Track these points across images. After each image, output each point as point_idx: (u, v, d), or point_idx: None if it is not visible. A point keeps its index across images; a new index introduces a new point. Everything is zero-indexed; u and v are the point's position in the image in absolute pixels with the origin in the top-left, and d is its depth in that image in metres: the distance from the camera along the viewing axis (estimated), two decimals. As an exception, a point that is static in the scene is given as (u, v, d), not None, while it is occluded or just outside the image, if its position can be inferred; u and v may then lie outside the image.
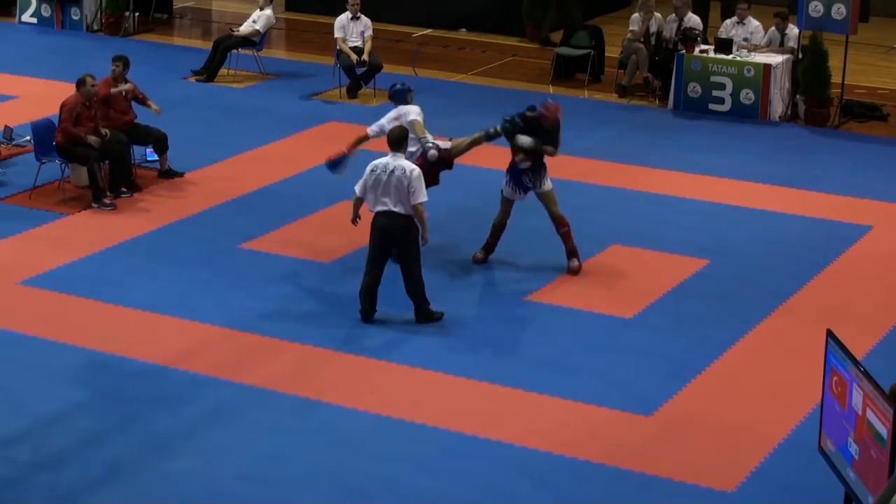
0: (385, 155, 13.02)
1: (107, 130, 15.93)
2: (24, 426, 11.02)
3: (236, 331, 12.81)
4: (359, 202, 13.02)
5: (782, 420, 11.40)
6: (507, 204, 14.38)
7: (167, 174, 16.71)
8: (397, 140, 12.99)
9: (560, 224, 14.24)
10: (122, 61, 16.58)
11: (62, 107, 15.75)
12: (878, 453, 8.24)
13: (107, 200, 15.69)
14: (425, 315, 12.99)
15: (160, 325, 12.91)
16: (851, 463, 8.70)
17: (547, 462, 10.69)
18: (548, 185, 14.33)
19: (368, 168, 12.90)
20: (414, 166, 12.86)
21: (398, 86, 15.16)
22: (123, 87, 16.36)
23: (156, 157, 16.83)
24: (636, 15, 20.92)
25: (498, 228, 14.45)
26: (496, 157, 17.79)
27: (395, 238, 12.87)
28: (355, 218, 13.19)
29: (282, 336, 12.71)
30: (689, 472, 10.60)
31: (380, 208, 12.80)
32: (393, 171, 12.73)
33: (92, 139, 15.68)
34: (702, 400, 11.79)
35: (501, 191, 14.36)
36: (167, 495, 10.15)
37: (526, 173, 14.20)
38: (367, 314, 13.02)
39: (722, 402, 11.78)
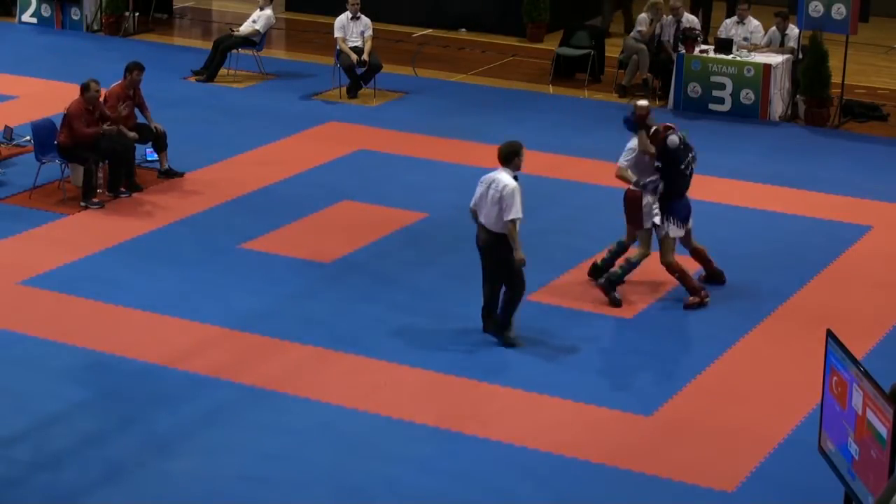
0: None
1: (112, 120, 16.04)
2: (25, 426, 11.02)
3: (236, 331, 12.80)
4: (474, 214, 12.70)
5: (782, 420, 11.40)
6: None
7: (167, 174, 16.72)
8: (506, 156, 12.51)
9: (669, 271, 13.53)
10: (141, 69, 16.62)
11: (68, 113, 15.72)
12: (878, 453, 8.24)
13: (95, 199, 15.70)
14: (501, 330, 12.63)
15: (160, 325, 12.91)
16: (851, 463, 8.70)
17: (547, 462, 10.69)
18: (667, 231, 13.47)
19: (480, 179, 12.68)
20: (509, 182, 12.31)
21: (629, 114, 13.86)
22: (122, 112, 16.24)
23: (156, 157, 16.84)
24: (644, 15, 20.90)
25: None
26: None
27: (486, 254, 12.62)
28: None
29: (282, 336, 12.71)
30: (689, 472, 10.60)
31: (479, 220, 12.62)
32: (491, 184, 12.43)
33: (107, 128, 15.82)
34: (702, 400, 11.79)
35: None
36: (167, 495, 10.15)
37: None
38: (485, 328, 12.80)
39: (722, 403, 11.78)
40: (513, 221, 12.27)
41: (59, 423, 11.08)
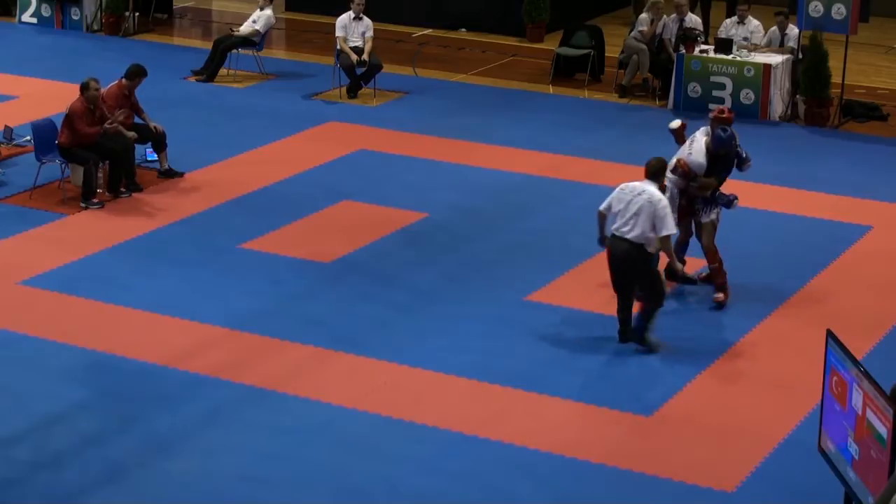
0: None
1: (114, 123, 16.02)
2: (25, 426, 11.02)
3: (236, 331, 12.80)
4: (602, 218, 12.63)
5: (782, 420, 11.39)
6: None
7: (167, 174, 16.72)
8: (655, 171, 12.49)
9: (710, 259, 13.60)
10: (145, 75, 16.66)
11: (70, 113, 15.71)
12: (878, 453, 8.24)
13: (95, 200, 15.70)
14: (635, 336, 12.56)
15: (160, 325, 12.91)
16: (851, 463, 8.70)
17: (547, 462, 10.69)
18: (709, 216, 13.63)
19: (619, 187, 12.59)
20: (661, 196, 12.31)
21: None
22: (118, 118, 16.20)
23: (155, 157, 16.84)
24: (645, 15, 20.87)
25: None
26: (496, 157, 17.83)
27: (627, 265, 12.46)
28: (602, 238, 12.67)
29: (282, 336, 12.71)
30: (689, 472, 10.60)
31: (614, 229, 12.47)
32: (640, 194, 12.34)
33: (108, 126, 15.82)
34: (702, 400, 11.79)
35: None
36: (167, 495, 10.15)
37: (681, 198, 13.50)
38: (622, 337, 12.72)
39: (722, 402, 11.78)
40: (667, 237, 12.30)
41: (59, 423, 11.08)
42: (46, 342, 12.49)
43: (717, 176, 13.61)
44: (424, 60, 22.76)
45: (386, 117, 19.44)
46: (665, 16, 20.82)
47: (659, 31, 20.76)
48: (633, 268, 12.44)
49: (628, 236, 12.34)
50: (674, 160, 13.52)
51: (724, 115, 13.53)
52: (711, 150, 13.45)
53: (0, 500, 10.05)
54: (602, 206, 12.64)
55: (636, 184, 12.48)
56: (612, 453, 10.82)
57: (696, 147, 13.56)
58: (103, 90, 16.42)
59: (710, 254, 13.62)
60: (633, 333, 12.60)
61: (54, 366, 12.07)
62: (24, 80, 20.76)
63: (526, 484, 10.41)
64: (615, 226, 12.45)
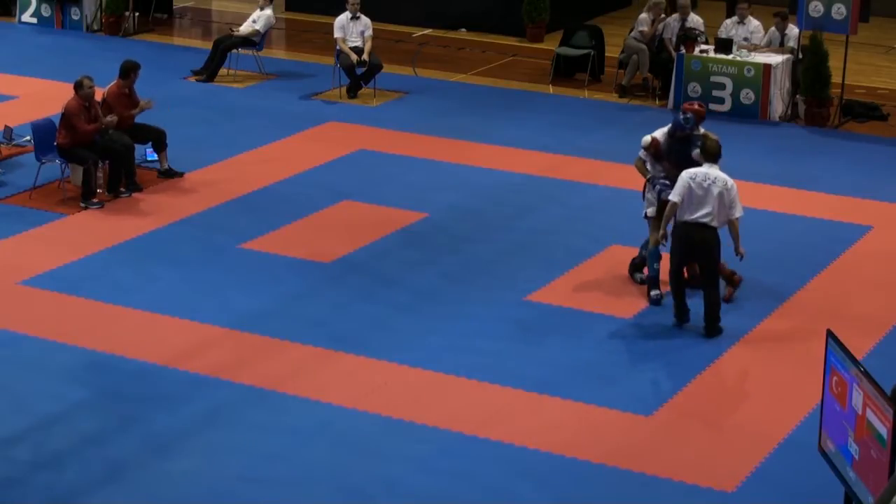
0: None
1: (113, 117, 15.99)
2: (24, 426, 11.02)
3: (236, 331, 12.80)
4: (674, 209, 12.68)
5: (782, 420, 11.39)
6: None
7: (167, 174, 16.72)
8: (717, 153, 12.68)
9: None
10: (139, 68, 16.67)
11: (67, 113, 15.70)
12: (878, 453, 8.24)
13: (95, 200, 15.70)
14: (716, 330, 12.82)
15: (160, 325, 12.91)
16: (851, 463, 8.70)
17: (547, 462, 10.69)
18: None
19: (686, 175, 12.66)
20: (732, 181, 12.57)
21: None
22: (109, 120, 16.14)
23: (156, 157, 16.84)
24: (645, 15, 20.85)
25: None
26: (496, 157, 17.82)
27: (705, 252, 12.68)
28: (665, 231, 12.92)
29: (282, 336, 12.71)
30: (689, 472, 10.60)
31: (689, 217, 12.60)
32: (714, 182, 12.53)
33: (107, 121, 15.82)
34: (702, 400, 11.79)
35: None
36: (167, 495, 10.15)
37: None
38: (681, 319, 12.97)
39: (722, 402, 11.78)
40: (738, 219, 12.62)
41: (59, 423, 11.08)
42: (46, 342, 12.49)
43: (673, 161, 13.55)
44: (424, 60, 22.76)
45: (386, 117, 19.44)
46: (667, 16, 20.82)
47: (660, 31, 20.76)
48: (709, 253, 12.74)
49: (713, 224, 12.60)
50: (648, 137, 13.62)
51: (693, 107, 13.63)
52: (669, 131, 13.53)
53: (0, 500, 10.05)
54: (676, 198, 12.69)
55: (703, 170, 12.66)
56: (612, 453, 10.82)
57: (663, 129, 13.71)
58: (103, 91, 16.44)
59: None
60: (714, 328, 12.81)
61: (54, 366, 12.07)
62: (24, 80, 20.76)
63: (526, 484, 10.41)
64: (694, 215, 12.62)
